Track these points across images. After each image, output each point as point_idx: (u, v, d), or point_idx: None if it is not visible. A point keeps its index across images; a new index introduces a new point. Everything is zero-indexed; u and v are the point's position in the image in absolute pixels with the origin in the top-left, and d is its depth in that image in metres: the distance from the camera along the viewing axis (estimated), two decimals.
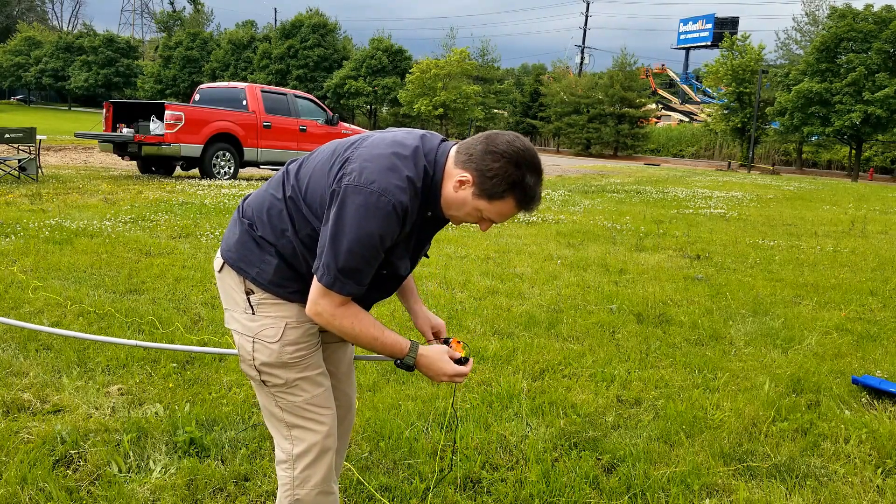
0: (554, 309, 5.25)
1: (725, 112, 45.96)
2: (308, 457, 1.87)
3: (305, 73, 58.95)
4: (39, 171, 12.44)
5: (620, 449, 2.99)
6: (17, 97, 77.15)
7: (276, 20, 73.70)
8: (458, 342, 1.95)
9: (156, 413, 3.09)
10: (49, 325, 4.09)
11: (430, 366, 1.85)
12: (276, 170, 15.03)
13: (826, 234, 10.61)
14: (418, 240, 1.87)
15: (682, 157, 55.72)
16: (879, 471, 2.94)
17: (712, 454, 3.00)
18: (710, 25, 72.13)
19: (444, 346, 1.90)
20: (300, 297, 1.82)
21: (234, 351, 1.94)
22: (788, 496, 2.72)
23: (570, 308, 5.30)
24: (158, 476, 2.60)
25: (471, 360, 1.92)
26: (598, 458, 2.93)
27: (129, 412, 3.11)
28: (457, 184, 1.72)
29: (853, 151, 39.81)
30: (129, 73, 68.96)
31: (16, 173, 11.88)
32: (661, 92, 70.18)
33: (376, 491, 2.58)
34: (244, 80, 56.80)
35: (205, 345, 3.98)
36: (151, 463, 2.69)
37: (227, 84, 16.10)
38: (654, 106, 60.88)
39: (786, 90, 39.01)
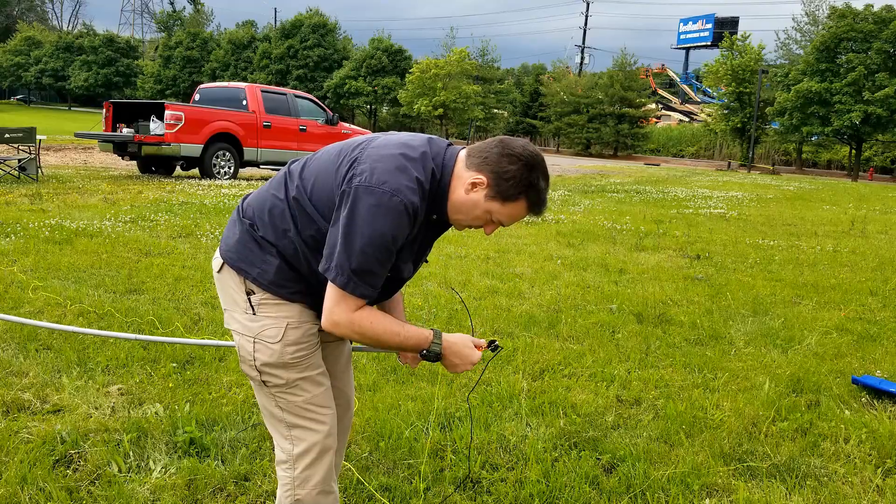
0: (554, 309, 5.25)
1: (725, 112, 45.95)
2: (308, 456, 1.87)
3: (305, 73, 58.97)
4: (39, 170, 12.44)
5: (620, 449, 2.99)
6: (17, 97, 77.17)
7: (276, 20, 73.78)
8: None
9: (156, 413, 3.09)
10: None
11: (458, 353, 1.84)
12: (277, 170, 15.06)
13: (826, 234, 10.62)
14: (421, 244, 1.87)
15: (682, 157, 55.71)
16: (879, 471, 2.94)
17: (712, 454, 3.00)
18: (710, 25, 72.11)
19: (468, 336, 1.89)
20: (301, 297, 1.83)
21: (233, 343, 1.94)
22: (788, 496, 2.72)
23: (570, 308, 5.30)
24: (158, 476, 2.60)
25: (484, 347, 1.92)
26: (598, 458, 2.93)
27: (129, 412, 3.11)
28: (469, 186, 1.73)
29: (853, 151, 39.81)
30: (129, 72, 69.01)
31: (16, 173, 11.88)
32: (661, 92, 70.17)
33: (376, 491, 2.58)
34: (244, 80, 56.81)
35: (204, 346, 3.98)
36: (151, 463, 2.69)
37: (227, 84, 16.10)
38: (653, 106, 60.86)
39: (785, 90, 39.00)
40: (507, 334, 4.58)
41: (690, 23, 75.58)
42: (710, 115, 50.93)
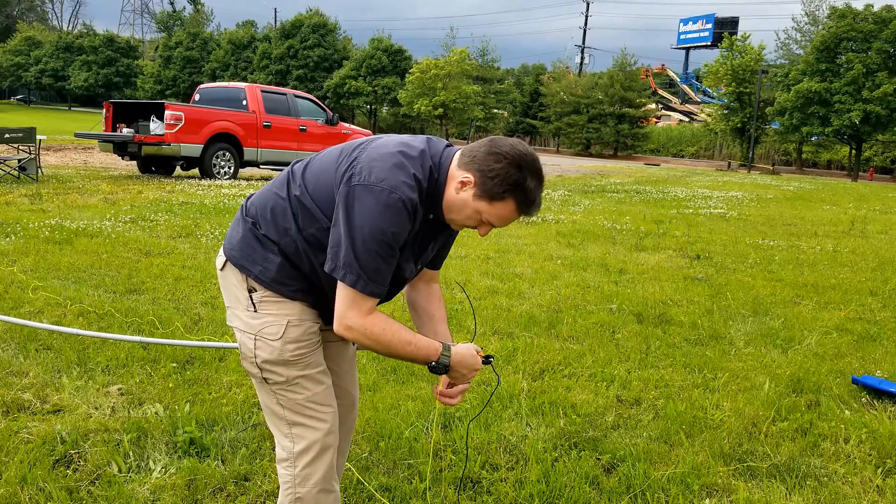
0: (554, 309, 5.25)
1: (725, 112, 45.93)
2: (309, 454, 1.88)
3: (305, 73, 58.97)
4: (39, 171, 12.44)
5: (620, 449, 2.99)
6: (17, 97, 77.16)
7: (276, 20, 73.77)
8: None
9: (156, 413, 3.09)
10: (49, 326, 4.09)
11: (466, 363, 1.85)
12: (277, 170, 15.09)
13: (826, 234, 10.62)
14: (420, 243, 1.87)
15: (682, 157, 55.70)
16: (879, 471, 2.94)
17: (712, 454, 3.00)
18: (710, 25, 72.08)
19: (473, 345, 1.90)
20: (302, 295, 1.83)
21: (235, 345, 1.94)
22: (788, 496, 2.72)
23: (570, 308, 5.30)
24: (158, 476, 2.60)
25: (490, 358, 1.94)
26: (598, 458, 2.93)
27: (128, 412, 3.11)
28: (459, 185, 1.73)
29: (853, 151, 39.80)
30: (129, 73, 69.01)
31: (16, 173, 11.88)
32: (661, 92, 70.15)
33: (376, 491, 2.58)
34: (244, 80, 56.80)
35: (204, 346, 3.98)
36: (151, 463, 2.69)
37: (227, 84, 16.10)
38: (653, 106, 60.85)
39: (785, 90, 39.00)
40: (507, 334, 4.58)
41: (690, 23, 75.56)
42: (710, 116, 50.91)
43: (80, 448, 2.78)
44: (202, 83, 26.39)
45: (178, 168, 15.32)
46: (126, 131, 13.82)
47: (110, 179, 13.25)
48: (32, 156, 12.20)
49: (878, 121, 35.65)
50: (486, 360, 1.93)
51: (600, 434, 3.15)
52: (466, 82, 50.41)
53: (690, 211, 13.12)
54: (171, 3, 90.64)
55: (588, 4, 73.72)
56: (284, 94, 15.42)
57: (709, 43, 71.11)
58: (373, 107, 59.27)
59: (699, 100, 69.69)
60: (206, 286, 5.31)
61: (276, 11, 77.71)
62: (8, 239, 6.65)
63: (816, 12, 49.45)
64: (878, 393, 3.75)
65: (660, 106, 67.18)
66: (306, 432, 1.88)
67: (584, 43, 72.93)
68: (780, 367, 4.19)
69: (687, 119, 65.59)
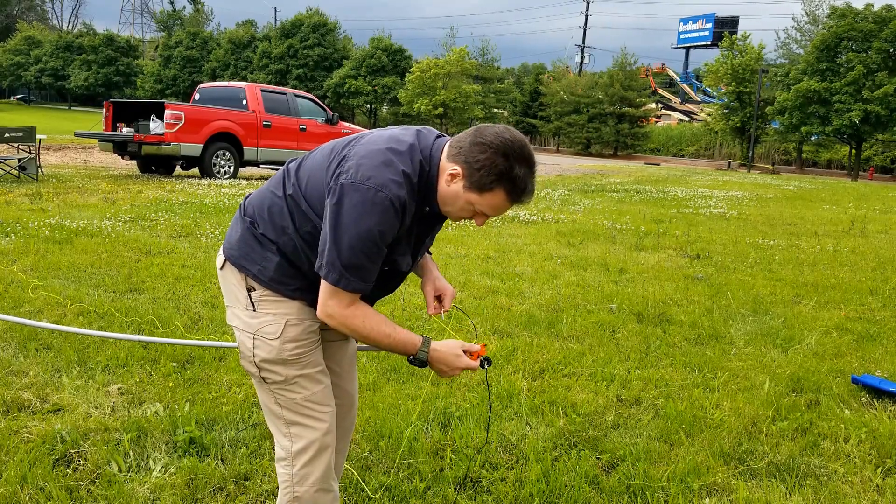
0: (554, 308, 5.25)
1: (725, 111, 45.94)
2: (307, 454, 1.88)
3: (305, 73, 58.96)
4: (39, 170, 12.44)
5: (620, 448, 2.99)
6: (17, 96, 77.12)
7: (276, 20, 73.73)
8: (484, 346, 1.96)
9: (156, 412, 3.09)
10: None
11: (444, 360, 1.85)
12: (276, 169, 15.07)
13: (826, 234, 10.62)
14: (418, 236, 1.87)
15: (682, 156, 55.71)
16: (879, 470, 2.94)
17: (712, 454, 3.00)
18: (710, 25, 72.09)
19: (459, 341, 1.90)
20: (301, 294, 1.83)
21: (234, 344, 1.94)
22: (788, 495, 2.72)
23: (570, 307, 5.30)
24: (158, 475, 2.60)
25: (481, 347, 1.92)
26: (598, 458, 2.93)
27: (128, 411, 3.11)
28: (448, 177, 1.73)
29: (853, 151, 39.80)
30: (129, 72, 68.99)
31: (16, 172, 11.88)
32: (661, 91, 70.19)
33: (376, 490, 2.58)
34: (244, 79, 56.84)
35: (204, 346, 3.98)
36: (151, 462, 2.69)
37: (226, 83, 16.09)
38: (653, 105, 60.88)
39: (785, 89, 38.99)
40: (507, 334, 4.58)
41: (690, 22, 75.56)
42: (709, 115, 50.90)
43: (80, 447, 2.78)
44: (202, 83, 26.40)
45: (178, 167, 15.32)
46: (126, 131, 13.82)
47: (110, 179, 13.25)
48: (32, 155, 12.20)
49: (878, 120, 35.66)
50: (483, 363, 1.92)
51: (600, 433, 3.15)
52: (466, 82, 50.42)
53: (690, 210, 13.12)
54: (171, 3, 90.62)
55: (588, 4, 73.74)
56: (284, 94, 15.41)
57: (709, 42, 71.13)
58: (373, 106, 59.26)
59: (699, 99, 69.71)
60: (206, 286, 5.31)
61: (276, 11, 77.92)
62: (8, 238, 6.65)
63: (816, 12, 49.47)
64: (877, 392, 3.75)
65: (660, 105, 67.20)
66: (305, 431, 1.88)
67: (584, 42, 72.95)
68: (779, 366, 4.19)
69: (687, 118, 65.60)
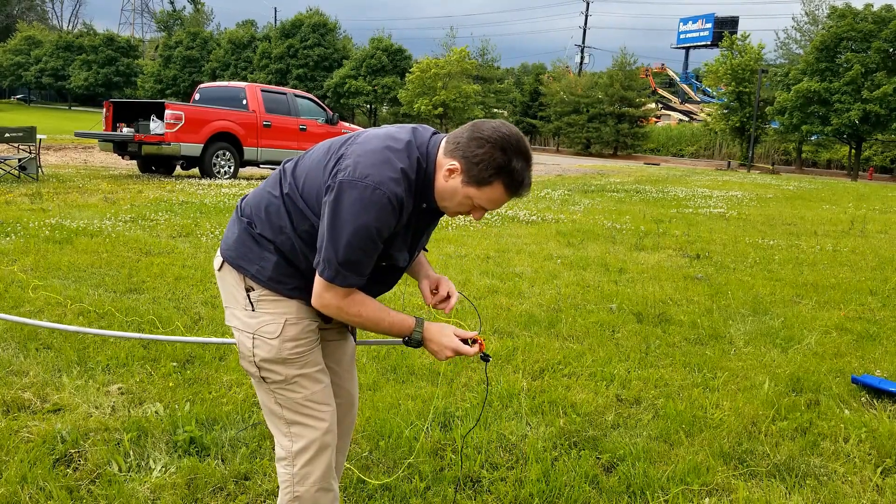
0: (554, 308, 5.25)
1: (725, 111, 45.94)
2: (307, 453, 1.88)
3: (305, 73, 58.98)
4: (39, 170, 12.44)
5: (620, 448, 2.99)
6: (17, 96, 77.12)
7: (276, 20, 73.71)
8: (482, 341, 1.96)
9: (156, 412, 3.09)
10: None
11: (435, 340, 1.86)
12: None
13: (826, 234, 10.62)
14: (415, 232, 1.88)
15: (682, 156, 55.72)
16: (879, 470, 2.94)
17: (712, 453, 3.00)
18: (709, 25, 72.12)
19: (451, 325, 1.91)
20: (300, 293, 1.84)
21: (234, 341, 1.95)
22: (788, 495, 2.72)
23: (570, 307, 5.30)
24: (158, 475, 2.60)
25: (480, 343, 1.93)
26: (598, 458, 2.94)
27: (129, 411, 3.11)
28: (446, 173, 1.74)
29: (853, 151, 39.81)
30: (129, 72, 68.99)
31: (16, 172, 11.88)
32: (660, 91, 70.18)
33: (376, 490, 2.58)
34: (244, 79, 56.83)
35: (204, 345, 3.98)
36: (151, 462, 2.70)
37: (227, 83, 16.09)
38: (653, 105, 60.88)
39: (785, 89, 39.00)
40: (507, 333, 4.58)
41: (690, 22, 75.59)
42: (709, 115, 50.92)
43: (80, 447, 2.78)
44: (202, 82, 26.40)
45: (178, 167, 15.32)
46: (126, 131, 13.82)
47: (110, 179, 13.25)
48: (32, 155, 12.20)
49: (878, 120, 35.68)
50: (483, 358, 1.93)
51: (600, 433, 3.15)
52: (466, 82, 50.41)
53: (690, 210, 13.12)
54: (171, 3, 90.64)
55: (588, 4, 73.75)
56: (284, 94, 15.42)
57: (709, 42, 71.16)
58: (373, 106, 59.28)
59: (699, 99, 69.73)
60: (207, 285, 5.31)
61: (276, 11, 77.83)
62: (8, 238, 6.65)
63: (816, 12, 49.49)
64: (877, 392, 3.76)
65: (659, 105, 67.20)
66: (305, 431, 1.88)
67: (584, 42, 72.98)
68: (779, 366, 4.19)
69: (687, 118, 65.61)
